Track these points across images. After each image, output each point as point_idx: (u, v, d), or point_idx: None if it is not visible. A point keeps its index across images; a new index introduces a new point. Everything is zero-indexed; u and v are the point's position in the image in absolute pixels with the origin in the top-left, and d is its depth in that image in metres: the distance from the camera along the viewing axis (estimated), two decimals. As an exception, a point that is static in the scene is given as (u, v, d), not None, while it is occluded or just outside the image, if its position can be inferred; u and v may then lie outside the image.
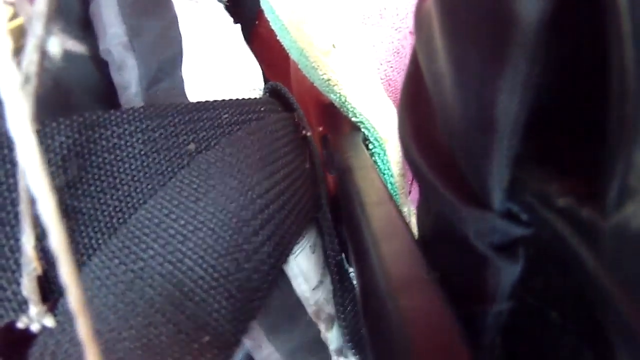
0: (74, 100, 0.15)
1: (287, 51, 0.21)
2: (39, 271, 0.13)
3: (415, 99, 0.14)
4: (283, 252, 0.15)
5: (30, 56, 0.12)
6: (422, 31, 0.13)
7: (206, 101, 0.16)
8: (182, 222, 0.14)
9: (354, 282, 0.20)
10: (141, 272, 0.13)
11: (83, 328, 0.11)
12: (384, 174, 0.21)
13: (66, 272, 0.11)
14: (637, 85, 0.06)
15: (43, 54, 0.12)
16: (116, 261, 0.14)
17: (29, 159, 0.11)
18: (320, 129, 0.22)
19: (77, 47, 0.15)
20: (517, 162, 0.09)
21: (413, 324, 0.11)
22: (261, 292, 0.14)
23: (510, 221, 0.10)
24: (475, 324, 0.12)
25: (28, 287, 0.13)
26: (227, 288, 0.13)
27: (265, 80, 0.20)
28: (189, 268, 0.13)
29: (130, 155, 0.15)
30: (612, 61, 0.07)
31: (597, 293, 0.08)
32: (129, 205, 0.15)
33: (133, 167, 0.15)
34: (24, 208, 0.13)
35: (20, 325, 0.13)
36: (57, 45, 0.15)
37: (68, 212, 0.14)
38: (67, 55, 0.15)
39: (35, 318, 0.13)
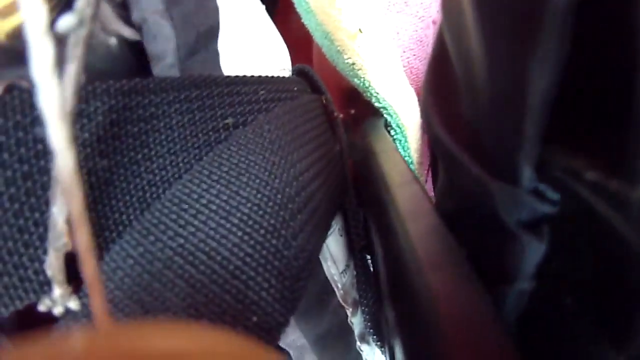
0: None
1: (312, 34, 0.20)
2: (70, 247, 0.12)
3: (441, 78, 0.14)
4: (323, 232, 0.14)
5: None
6: (450, 10, 0.13)
7: (244, 76, 0.15)
8: (224, 197, 0.13)
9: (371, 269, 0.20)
10: (181, 249, 0.13)
11: (95, 302, 0.10)
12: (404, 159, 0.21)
13: (82, 242, 0.10)
14: None
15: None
16: (151, 238, 0.13)
17: (59, 125, 0.10)
18: (351, 112, 0.22)
19: (133, 34, 0.14)
20: (546, 139, 0.09)
21: (443, 302, 0.11)
22: (306, 272, 0.13)
23: (538, 198, 0.10)
24: (497, 306, 0.12)
25: (54, 265, 0.12)
26: (276, 266, 0.12)
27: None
28: (234, 245, 0.12)
29: (167, 126, 0.14)
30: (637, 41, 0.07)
31: (631, 260, 0.08)
32: (164, 179, 0.14)
33: (170, 138, 0.14)
34: (56, 176, 0.12)
35: (41, 307, 0.12)
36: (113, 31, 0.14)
37: (99, 183, 0.13)
38: (121, 43, 0.14)
39: (59, 300, 0.12)
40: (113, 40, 0.15)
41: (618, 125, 0.08)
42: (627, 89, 0.08)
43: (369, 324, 0.18)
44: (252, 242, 0.12)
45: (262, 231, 0.13)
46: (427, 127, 0.15)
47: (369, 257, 0.20)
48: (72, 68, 0.11)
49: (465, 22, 0.11)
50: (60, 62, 0.11)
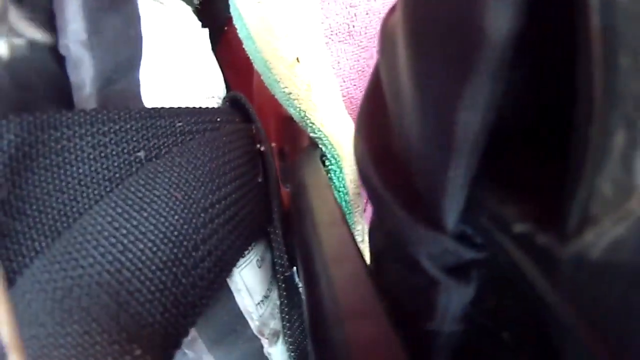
0: (32, 94, 0.16)
1: (252, 60, 0.22)
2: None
3: (374, 116, 0.15)
4: (225, 268, 0.16)
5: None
6: (386, 46, 0.14)
7: (161, 108, 0.17)
8: (124, 231, 0.15)
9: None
10: (80, 279, 0.14)
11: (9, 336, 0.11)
12: (339, 192, 0.22)
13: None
14: (603, 111, 0.06)
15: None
16: (57, 266, 0.14)
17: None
18: (287, 141, 0.23)
19: (44, 37, 0.16)
20: (474, 183, 0.09)
21: (360, 352, 0.11)
22: (198, 308, 0.14)
23: (464, 244, 0.10)
24: (426, 345, 0.13)
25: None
26: (163, 302, 0.14)
27: (231, 87, 0.21)
28: (126, 279, 0.14)
29: (79, 158, 0.15)
30: (580, 84, 0.07)
31: (553, 320, 0.09)
32: (74, 210, 0.15)
33: (81, 171, 0.15)
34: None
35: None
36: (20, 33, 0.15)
37: (12, 213, 0.15)
38: (32, 45, 0.16)
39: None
40: (21, 41, 0.16)
41: (553, 174, 0.08)
42: (563, 136, 0.08)
43: (292, 354, 0.20)
44: (142, 277, 0.14)
45: (153, 267, 0.14)
46: (357, 164, 0.15)
47: (299, 284, 0.21)
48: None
49: (398, 62, 0.12)
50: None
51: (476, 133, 0.08)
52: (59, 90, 0.18)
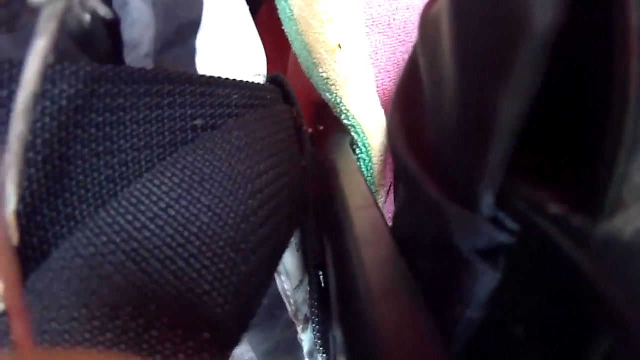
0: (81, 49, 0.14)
1: (291, 43, 0.21)
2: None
3: (410, 99, 0.15)
4: (283, 247, 0.15)
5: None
6: (427, 34, 0.14)
7: (219, 77, 0.15)
8: (185, 202, 0.13)
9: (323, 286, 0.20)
10: (134, 254, 0.12)
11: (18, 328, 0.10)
12: (366, 180, 0.22)
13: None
14: (638, 103, 0.07)
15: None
16: (103, 238, 0.12)
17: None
18: (319, 126, 0.22)
19: (109, 13, 0.14)
20: (510, 169, 0.10)
21: (391, 330, 0.11)
22: (264, 288, 0.13)
23: (497, 227, 0.10)
24: (448, 331, 0.12)
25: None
26: (233, 281, 0.12)
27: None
28: (191, 255, 0.12)
29: (134, 119, 0.14)
30: (616, 77, 0.07)
31: (590, 294, 0.09)
32: (124, 176, 0.14)
33: (134, 133, 0.14)
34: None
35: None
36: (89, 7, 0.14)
37: (54, 173, 0.13)
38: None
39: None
40: (87, 17, 0.15)
41: (584, 159, 0.09)
42: (596, 124, 0.08)
43: (318, 341, 0.19)
44: (209, 254, 0.12)
45: (221, 243, 0.13)
46: (391, 146, 0.15)
47: (321, 273, 0.21)
48: (41, 44, 0.11)
49: (441, 49, 0.12)
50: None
51: (516, 120, 0.09)
52: (106, 50, 0.16)
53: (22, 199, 0.11)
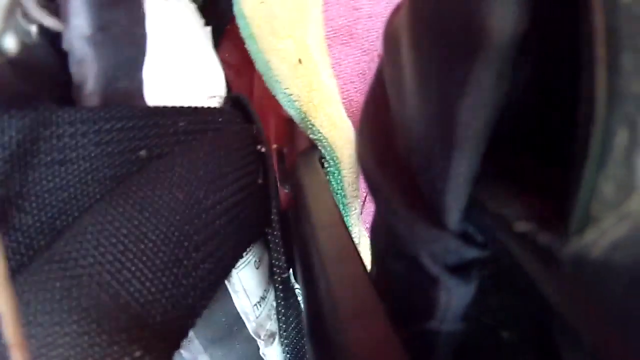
0: (34, 89, 0.16)
1: (253, 61, 0.22)
2: None
3: (376, 115, 0.15)
4: (225, 269, 0.16)
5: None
6: (390, 45, 0.14)
7: (164, 107, 0.16)
8: (125, 231, 0.15)
9: (300, 298, 0.21)
10: (79, 279, 0.14)
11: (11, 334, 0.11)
12: (337, 194, 0.22)
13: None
14: (605, 110, 0.06)
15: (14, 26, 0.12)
16: (55, 266, 0.14)
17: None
18: (286, 142, 0.23)
19: (56, 24, 0.15)
20: (476, 182, 0.09)
21: (357, 351, 0.12)
22: (198, 310, 0.14)
23: (466, 242, 0.10)
24: (426, 345, 0.13)
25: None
26: (163, 304, 0.13)
27: (231, 88, 0.21)
28: (126, 280, 0.14)
29: (81, 156, 0.15)
30: (582, 84, 0.07)
31: (555, 316, 0.09)
32: (74, 208, 0.15)
33: (82, 168, 0.15)
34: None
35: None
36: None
37: (11, 211, 0.14)
38: (43, 32, 0.15)
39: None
40: (33, 28, 0.16)
41: (555, 174, 0.08)
42: (566, 136, 0.08)
43: (288, 355, 0.20)
44: (142, 278, 0.14)
45: (154, 268, 0.14)
46: (360, 162, 0.15)
47: (296, 286, 0.21)
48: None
49: (401, 57, 0.12)
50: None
51: (479, 132, 0.08)
52: (60, 87, 0.18)
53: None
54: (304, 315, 0.17)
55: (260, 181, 0.19)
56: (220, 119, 0.18)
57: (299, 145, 0.23)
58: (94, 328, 0.14)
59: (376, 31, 0.22)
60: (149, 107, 0.16)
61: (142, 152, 0.16)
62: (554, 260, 0.08)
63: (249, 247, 0.18)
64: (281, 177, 0.22)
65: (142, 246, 0.14)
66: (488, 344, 0.13)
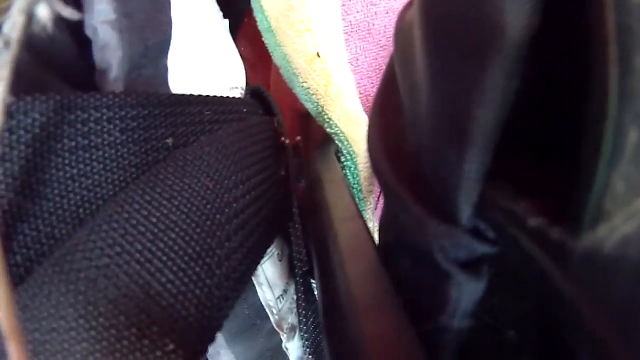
0: (54, 76, 0.15)
1: (271, 54, 0.21)
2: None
3: (387, 111, 0.15)
4: (255, 260, 0.15)
5: (14, 19, 0.11)
6: (401, 40, 0.14)
7: (190, 95, 0.16)
8: (154, 219, 0.14)
9: (316, 293, 0.21)
10: (106, 269, 0.13)
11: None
12: (353, 188, 0.22)
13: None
14: (617, 109, 0.06)
15: (30, 17, 0.12)
16: (79, 255, 0.14)
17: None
18: (303, 136, 0.23)
19: (73, 14, 0.15)
20: (488, 179, 0.09)
21: (374, 344, 0.11)
22: (231, 301, 0.14)
23: (477, 238, 0.10)
24: (434, 342, 0.13)
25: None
26: (197, 295, 0.13)
27: (248, 81, 0.21)
28: (157, 270, 0.13)
29: (106, 143, 0.15)
30: (594, 83, 0.07)
31: (566, 312, 0.09)
32: (98, 196, 0.15)
33: (107, 155, 0.15)
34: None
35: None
36: (48, 10, 0.14)
37: (32, 197, 0.14)
38: (59, 22, 0.15)
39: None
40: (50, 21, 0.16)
41: (566, 171, 0.08)
42: (577, 134, 0.08)
43: (307, 350, 0.19)
44: (174, 268, 0.13)
45: (187, 258, 0.13)
46: (371, 158, 0.15)
47: (313, 281, 0.21)
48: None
49: (414, 54, 0.12)
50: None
51: (491, 128, 0.09)
52: (79, 76, 0.17)
53: (4, 221, 0.12)
54: (319, 308, 0.17)
55: (283, 173, 0.19)
56: (244, 110, 0.18)
57: (314, 140, 0.23)
58: (122, 321, 0.13)
59: (393, 27, 0.22)
60: (175, 95, 0.16)
61: (169, 140, 0.15)
62: (566, 255, 0.08)
63: (274, 238, 0.18)
64: (297, 171, 0.22)
65: (174, 235, 0.14)
66: (492, 344, 0.13)
